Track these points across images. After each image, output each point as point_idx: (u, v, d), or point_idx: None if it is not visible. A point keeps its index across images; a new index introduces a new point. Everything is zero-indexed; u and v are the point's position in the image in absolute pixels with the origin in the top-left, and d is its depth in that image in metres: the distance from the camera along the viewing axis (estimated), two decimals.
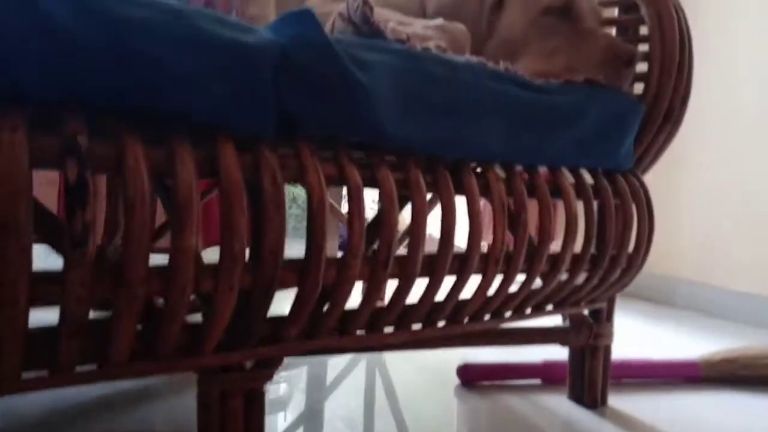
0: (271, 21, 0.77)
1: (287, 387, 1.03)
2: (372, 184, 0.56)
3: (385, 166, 0.56)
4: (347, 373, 1.11)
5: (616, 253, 0.80)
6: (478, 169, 0.67)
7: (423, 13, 0.92)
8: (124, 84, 0.42)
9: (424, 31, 0.74)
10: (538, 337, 0.92)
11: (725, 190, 1.86)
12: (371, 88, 0.53)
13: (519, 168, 0.71)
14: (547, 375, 1.05)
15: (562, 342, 0.93)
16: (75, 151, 0.40)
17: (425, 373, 1.11)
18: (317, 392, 1.01)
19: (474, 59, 0.67)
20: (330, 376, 1.10)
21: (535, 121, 0.68)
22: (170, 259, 0.44)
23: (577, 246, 0.75)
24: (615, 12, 0.94)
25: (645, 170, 0.90)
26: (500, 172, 0.68)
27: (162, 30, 0.44)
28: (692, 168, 1.91)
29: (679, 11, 0.86)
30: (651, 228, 0.82)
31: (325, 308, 0.58)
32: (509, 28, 0.85)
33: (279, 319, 0.57)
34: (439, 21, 0.77)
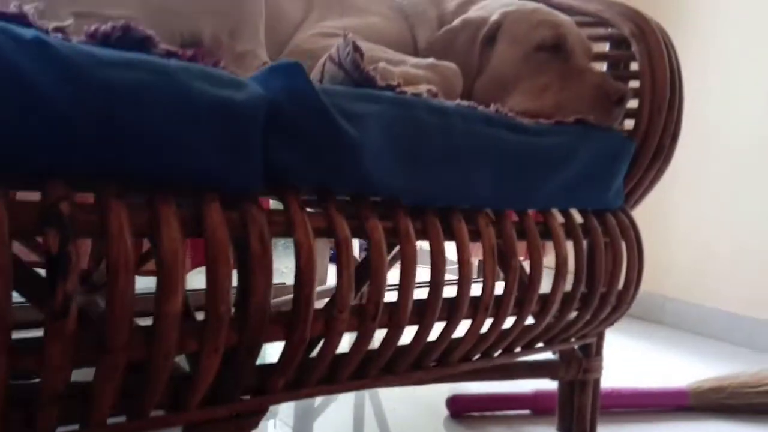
0: (261, 56, 0.77)
1: (273, 418, 1.02)
2: (361, 234, 0.56)
3: (374, 215, 0.56)
4: (335, 404, 1.10)
5: (606, 291, 0.79)
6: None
7: (414, 48, 0.92)
8: (110, 150, 0.42)
9: (415, 70, 0.74)
10: (528, 371, 0.91)
11: (716, 211, 1.87)
12: (360, 141, 0.53)
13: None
14: (536, 406, 1.04)
15: (552, 376, 0.93)
16: (57, 220, 0.39)
17: (414, 403, 1.10)
18: (305, 423, 1.01)
19: (465, 103, 0.67)
20: (318, 406, 1.09)
21: (526, 167, 0.68)
22: (153, 323, 0.43)
23: (568, 285, 0.74)
24: (606, 47, 0.94)
25: (634, 206, 0.90)
26: (490, 213, 0.68)
27: (149, 93, 0.43)
28: (683, 187, 1.92)
29: (670, 49, 0.86)
30: (641, 266, 0.82)
31: (315, 353, 0.58)
32: (501, 64, 0.85)
33: (266, 369, 0.57)
34: (431, 60, 0.77)
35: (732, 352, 1.72)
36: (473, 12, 0.91)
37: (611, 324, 0.86)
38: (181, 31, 0.75)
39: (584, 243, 0.76)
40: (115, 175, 0.43)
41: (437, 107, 0.62)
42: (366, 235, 0.55)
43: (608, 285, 0.79)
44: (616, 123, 0.81)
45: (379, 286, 0.55)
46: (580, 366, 0.92)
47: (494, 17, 0.85)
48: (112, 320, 0.41)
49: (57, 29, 0.47)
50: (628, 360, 1.55)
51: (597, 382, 0.95)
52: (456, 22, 0.88)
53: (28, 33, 0.40)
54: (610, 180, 0.78)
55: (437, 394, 1.11)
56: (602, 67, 0.93)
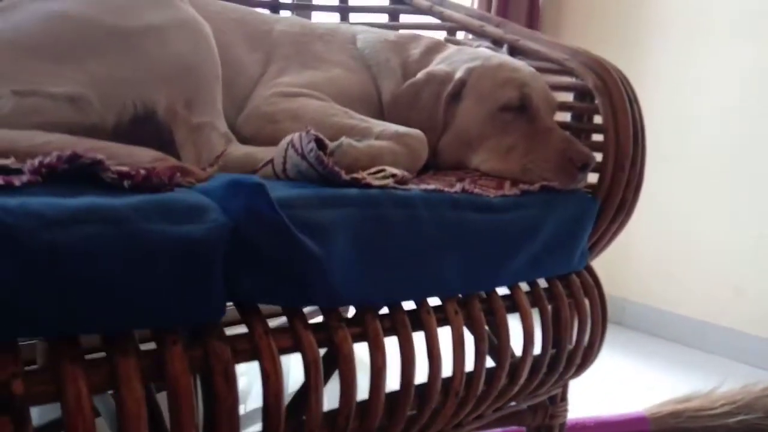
0: (219, 127, 0.74)
1: None
2: (328, 345, 0.55)
3: (341, 325, 0.55)
4: None
5: (573, 349, 0.81)
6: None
7: (378, 99, 0.89)
8: (62, 312, 0.39)
9: (380, 143, 0.72)
10: (495, 420, 0.93)
11: (674, 218, 1.91)
12: (326, 257, 0.52)
13: None
14: None
15: (519, 423, 0.94)
16: (9, 403, 0.37)
17: None
18: None
19: (431, 186, 0.66)
20: None
21: (493, 247, 0.67)
22: None
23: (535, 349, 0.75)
24: (571, 96, 0.93)
25: (597, 255, 0.91)
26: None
27: (101, 247, 0.40)
28: (643, 194, 1.96)
29: (633, 104, 0.86)
30: (604, 323, 0.83)
31: None
32: (466, 122, 0.84)
33: None
34: (395, 129, 0.75)
35: (685, 354, 1.80)
36: (437, 64, 0.89)
37: (576, 377, 0.87)
38: (134, 102, 0.71)
39: (549, 308, 0.77)
40: (69, 333, 0.41)
41: (403, 199, 0.60)
42: (335, 347, 0.54)
43: (574, 344, 0.80)
44: (581, 186, 0.81)
45: (349, 400, 0.54)
46: (546, 413, 0.94)
47: (459, 74, 0.84)
48: None
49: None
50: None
51: (562, 425, 0.97)
52: (420, 75, 0.87)
53: None
54: (575, 245, 0.79)
55: None
56: (566, 117, 0.93)
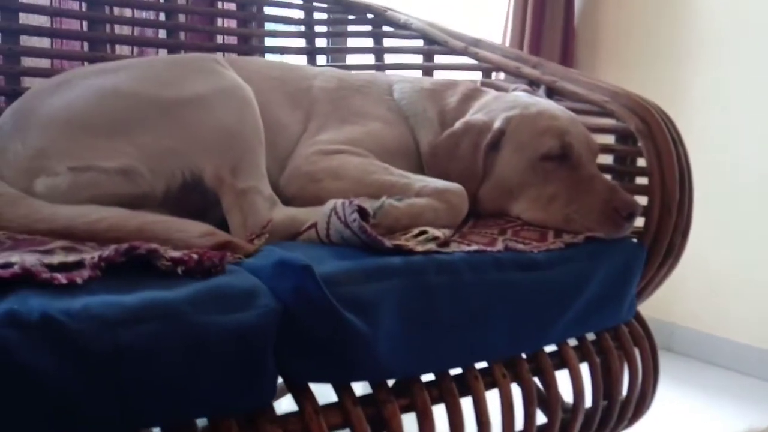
0: (264, 191, 0.75)
1: None
2: (377, 419, 0.55)
3: (390, 398, 0.55)
4: None
5: (624, 401, 0.79)
6: None
7: (417, 151, 0.90)
8: (126, 412, 0.41)
9: (420, 202, 0.72)
10: None
11: (727, 239, 1.85)
12: (372, 335, 0.52)
13: None
14: None
15: None
16: None
17: None
18: None
19: (473, 248, 0.65)
20: None
21: (540, 307, 0.67)
22: None
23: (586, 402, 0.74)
24: (612, 138, 0.92)
25: (644, 300, 0.89)
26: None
27: (160, 344, 0.42)
28: (694, 214, 1.91)
29: (678, 146, 0.84)
30: (656, 373, 0.81)
31: None
32: (506, 171, 0.83)
33: None
34: (434, 185, 0.75)
35: (740, 383, 1.73)
36: (475, 112, 0.89)
37: (629, 428, 0.85)
38: (182, 171, 0.73)
39: (599, 361, 0.75)
40: (130, 428, 0.42)
41: (446, 264, 0.61)
42: (384, 422, 0.54)
43: (626, 396, 0.79)
44: (627, 234, 0.79)
45: None
46: None
47: (497, 124, 0.84)
48: None
49: (62, 266, 0.46)
50: None
51: None
52: (458, 125, 0.87)
53: (34, 311, 0.39)
54: (623, 295, 0.77)
55: None
56: (608, 160, 0.92)
